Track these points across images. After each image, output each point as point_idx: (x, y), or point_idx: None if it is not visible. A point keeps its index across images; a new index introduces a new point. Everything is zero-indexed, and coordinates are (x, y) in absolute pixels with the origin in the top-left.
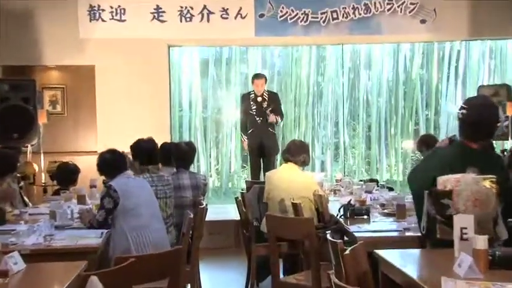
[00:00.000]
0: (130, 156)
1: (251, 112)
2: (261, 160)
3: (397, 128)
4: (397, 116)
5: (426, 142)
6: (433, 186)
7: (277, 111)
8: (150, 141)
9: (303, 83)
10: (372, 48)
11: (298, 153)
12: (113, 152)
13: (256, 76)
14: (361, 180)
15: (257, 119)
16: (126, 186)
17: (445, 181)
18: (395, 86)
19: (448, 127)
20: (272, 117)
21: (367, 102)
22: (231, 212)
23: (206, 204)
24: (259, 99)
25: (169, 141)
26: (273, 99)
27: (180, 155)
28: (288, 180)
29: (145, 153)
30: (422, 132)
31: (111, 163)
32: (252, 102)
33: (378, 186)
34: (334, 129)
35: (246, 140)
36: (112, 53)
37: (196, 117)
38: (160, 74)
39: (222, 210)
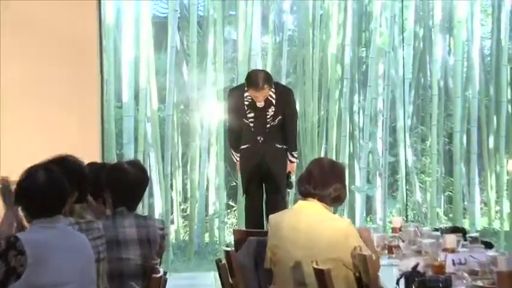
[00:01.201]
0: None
1: (246, 122)
2: (262, 193)
3: (499, 138)
4: (499, 117)
5: None
6: None
7: (291, 119)
8: (75, 161)
9: (332, 60)
10: None
11: (327, 182)
12: (50, 172)
13: (255, 85)
14: (436, 229)
15: (258, 138)
16: (47, 246)
17: None
18: (496, 65)
19: None
20: (292, 166)
21: (445, 92)
22: (209, 286)
23: (165, 273)
24: (261, 104)
25: (99, 160)
26: (285, 100)
27: (119, 185)
28: (308, 230)
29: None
30: None
31: (44, 194)
32: (248, 108)
33: (465, 240)
34: (388, 140)
35: (238, 159)
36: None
37: (147, 119)
38: (85, 45)
39: (194, 281)
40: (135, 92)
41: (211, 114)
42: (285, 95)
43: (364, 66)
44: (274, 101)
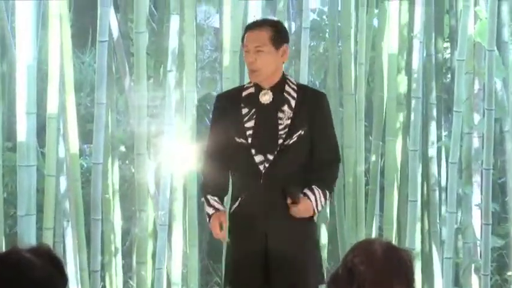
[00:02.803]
0: None
1: (241, 142)
2: None
3: None
4: None
5: None
6: None
7: (324, 132)
8: None
9: (391, 64)
10: None
11: (382, 283)
12: None
13: (250, 25)
14: None
15: (260, 167)
16: None
17: None
18: None
19: None
20: (306, 204)
21: None
22: None
23: None
24: (266, 98)
25: None
26: (314, 104)
27: None
28: None
29: None
30: None
31: None
32: (246, 109)
33: None
34: (492, 209)
35: (223, 223)
36: None
37: (59, 171)
38: None
39: None
40: (39, 124)
41: (175, 162)
42: (313, 97)
43: (449, 75)
44: (292, 101)
